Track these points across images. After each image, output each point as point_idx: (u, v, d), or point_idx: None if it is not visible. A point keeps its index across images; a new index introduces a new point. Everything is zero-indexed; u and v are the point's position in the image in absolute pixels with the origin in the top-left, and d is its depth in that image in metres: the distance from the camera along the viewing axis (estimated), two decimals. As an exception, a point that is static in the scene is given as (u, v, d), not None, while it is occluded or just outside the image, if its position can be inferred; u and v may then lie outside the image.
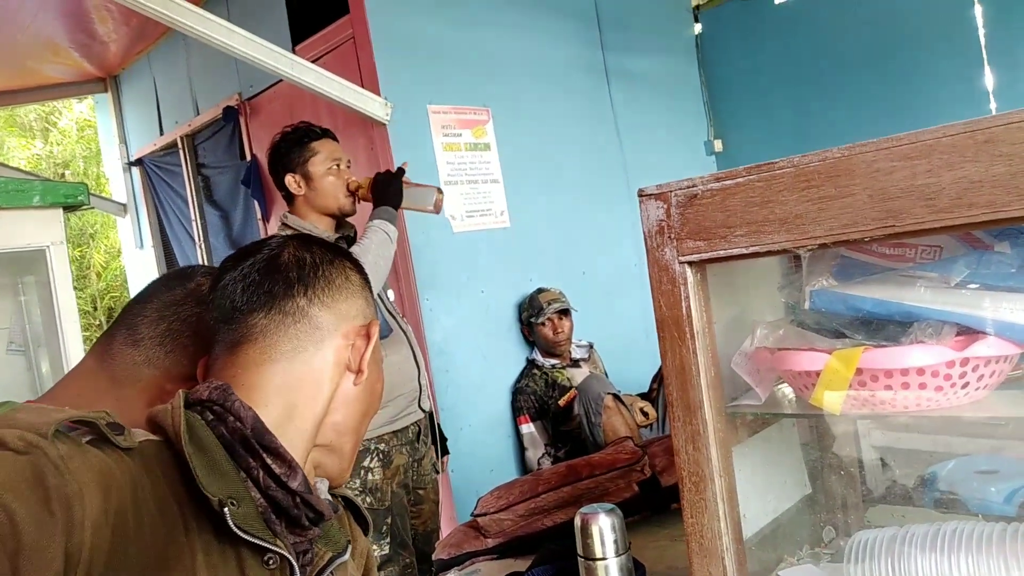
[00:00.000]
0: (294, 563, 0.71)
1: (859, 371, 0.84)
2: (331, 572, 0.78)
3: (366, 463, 2.02)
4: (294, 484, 0.72)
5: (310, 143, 2.16)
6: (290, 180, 2.13)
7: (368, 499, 2.01)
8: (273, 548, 0.69)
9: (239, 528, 0.66)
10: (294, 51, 3.23)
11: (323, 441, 0.79)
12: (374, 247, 2.02)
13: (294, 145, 2.14)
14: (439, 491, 2.29)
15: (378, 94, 2.93)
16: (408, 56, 3.07)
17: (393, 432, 2.07)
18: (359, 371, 0.80)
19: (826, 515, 1.18)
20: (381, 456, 2.05)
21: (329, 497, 0.83)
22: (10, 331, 2.58)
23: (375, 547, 2.01)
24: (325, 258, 0.83)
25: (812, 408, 0.90)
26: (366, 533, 0.91)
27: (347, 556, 0.80)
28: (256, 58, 2.57)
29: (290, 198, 2.16)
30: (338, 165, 2.16)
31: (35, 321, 2.58)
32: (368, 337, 0.81)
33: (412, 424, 2.13)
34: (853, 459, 1.18)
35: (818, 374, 0.86)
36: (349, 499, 0.90)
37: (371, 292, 0.88)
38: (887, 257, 0.89)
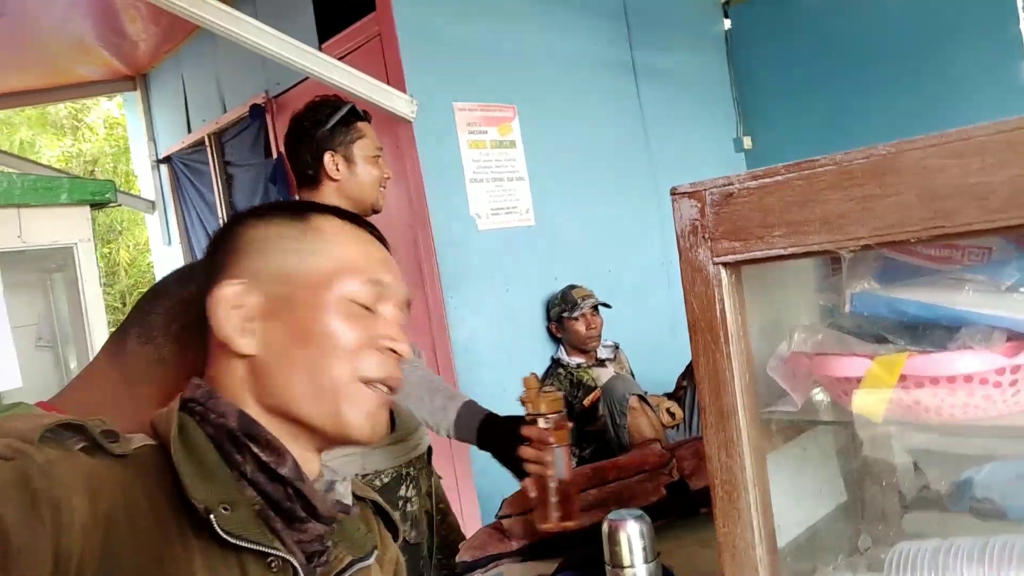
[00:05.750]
0: (296, 565, 0.69)
1: (902, 377, 0.81)
2: (353, 575, 0.76)
3: (402, 492, 1.85)
4: (283, 471, 0.70)
5: (357, 123, 1.89)
6: (329, 160, 1.83)
7: (412, 534, 1.83)
8: (270, 552, 0.68)
9: (228, 534, 0.65)
10: (321, 49, 3.23)
11: (272, 420, 0.74)
12: (415, 393, 1.63)
13: (340, 123, 1.86)
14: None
15: (404, 91, 2.92)
16: (434, 53, 3.06)
17: (417, 456, 1.93)
18: (227, 344, 0.74)
19: (862, 523, 1.14)
20: (414, 483, 1.89)
21: (349, 498, 0.80)
22: (38, 327, 2.61)
23: None
24: (223, 230, 0.81)
25: (852, 415, 0.87)
26: (396, 540, 0.89)
27: (370, 561, 0.79)
28: (283, 56, 2.58)
29: (313, 183, 1.87)
30: (378, 156, 1.92)
31: (63, 317, 2.60)
32: (239, 304, 0.74)
33: (427, 449, 1.99)
34: (890, 465, 1.14)
35: (859, 380, 0.83)
36: (379, 504, 0.88)
37: (296, 236, 0.78)
38: (933, 259, 0.85)
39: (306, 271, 0.76)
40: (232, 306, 0.74)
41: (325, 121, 1.86)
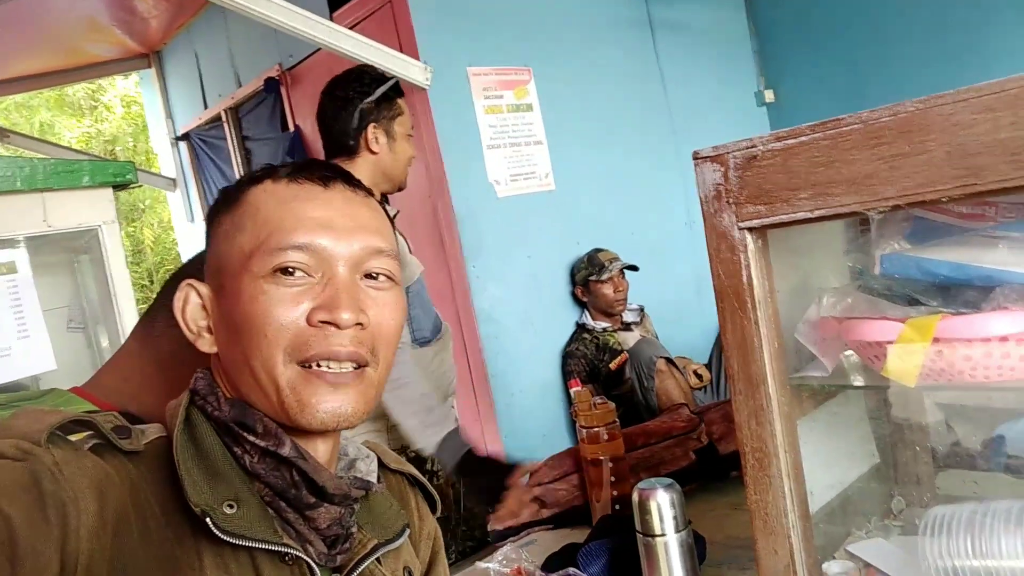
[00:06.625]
0: (306, 559, 0.67)
1: (936, 340, 0.79)
2: (377, 560, 0.74)
3: (430, 466, 1.89)
4: (284, 451, 0.68)
5: (397, 99, 1.89)
6: (373, 132, 1.84)
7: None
8: (277, 549, 0.65)
9: (229, 534, 0.63)
10: (332, 18, 3.19)
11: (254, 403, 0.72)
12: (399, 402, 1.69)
13: (386, 95, 1.86)
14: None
15: (417, 58, 2.88)
16: (446, 17, 3.01)
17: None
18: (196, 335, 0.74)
19: (895, 485, 1.13)
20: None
21: (373, 475, 0.79)
22: (69, 309, 2.64)
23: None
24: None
25: (883, 379, 0.85)
26: (434, 512, 0.88)
27: (398, 543, 0.77)
28: (293, 27, 2.54)
29: (350, 153, 1.86)
30: (411, 135, 1.92)
31: (92, 299, 2.63)
32: (185, 302, 0.74)
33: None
34: (922, 425, 1.13)
35: (890, 344, 0.81)
36: (416, 478, 0.87)
37: (227, 221, 0.74)
38: (965, 217, 0.82)
39: (230, 255, 0.71)
40: (187, 308, 0.74)
41: (371, 92, 1.84)
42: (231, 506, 0.64)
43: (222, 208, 0.75)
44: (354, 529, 0.73)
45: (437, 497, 0.88)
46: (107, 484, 0.60)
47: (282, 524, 0.68)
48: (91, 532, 0.57)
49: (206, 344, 0.73)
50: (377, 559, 0.74)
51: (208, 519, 0.62)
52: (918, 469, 1.13)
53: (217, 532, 0.63)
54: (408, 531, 0.79)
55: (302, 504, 0.69)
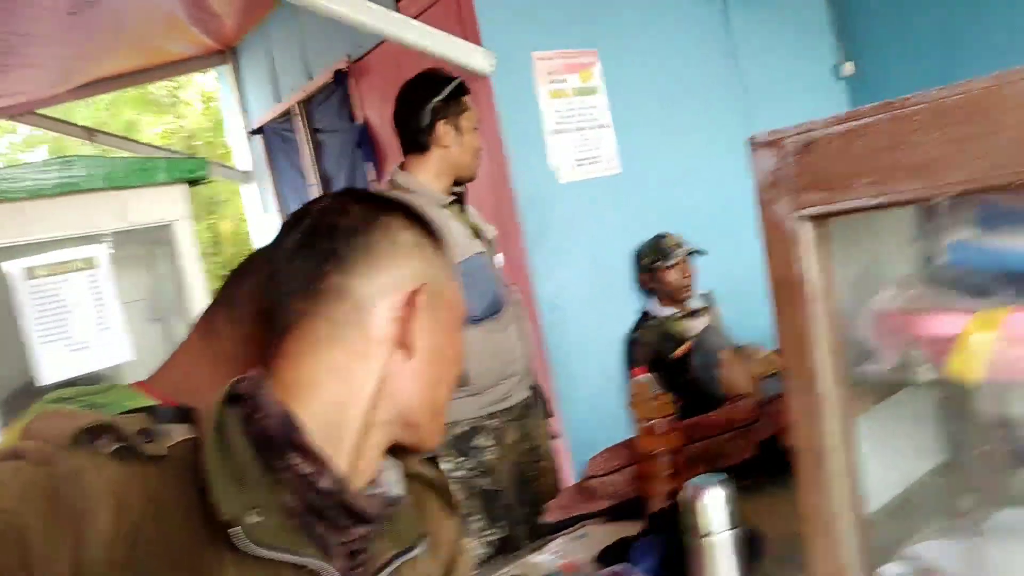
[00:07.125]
0: (329, 569, 0.67)
1: (1005, 334, 0.73)
2: (396, 570, 0.73)
3: (479, 441, 1.96)
4: (323, 484, 0.67)
5: (464, 97, 2.10)
6: (443, 128, 2.03)
7: (485, 481, 1.95)
8: (298, 563, 0.65)
9: (256, 544, 0.62)
10: (397, 8, 3.21)
11: (385, 421, 0.74)
12: None
13: (452, 94, 2.06)
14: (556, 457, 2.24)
15: (481, 45, 2.87)
16: (510, 2, 2.98)
17: (503, 409, 2.02)
18: (406, 346, 0.73)
19: (964, 481, 1.07)
20: (495, 434, 1.99)
21: (398, 487, 0.78)
22: (149, 301, 2.76)
23: (492, 531, 1.95)
24: (366, 218, 0.74)
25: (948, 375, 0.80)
26: (455, 514, 0.87)
27: (416, 552, 0.75)
28: (358, 19, 2.57)
29: (422, 149, 2.06)
30: (478, 128, 2.11)
31: (169, 291, 2.74)
32: (413, 304, 0.73)
33: (520, 403, 2.08)
34: (995, 416, 1.06)
35: (954, 339, 0.76)
36: (434, 481, 0.86)
37: (436, 247, 0.79)
38: (1042, 202, 0.76)
39: (446, 292, 0.79)
40: (412, 308, 0.73)
41: (439, 92, 2.04)
42: (257, 516, 0.64)
43: (424, 232, 0.79)
44: (372, 539, 0.73)
45: (458, 500, 0.87)
46: (126, 493, 0.60)
47: (308, 535, 0.68)
48: (106, 543, 0.57)
49: (412, 350, 0.75)
50: (394, 569, 0.74)
51: (232, 530, 0.62)
52: (992, 465, 1.07)
53: (239, 544, 0.62)
54: (427, 539, 0.78)
55: (337, 524, 0.69)
